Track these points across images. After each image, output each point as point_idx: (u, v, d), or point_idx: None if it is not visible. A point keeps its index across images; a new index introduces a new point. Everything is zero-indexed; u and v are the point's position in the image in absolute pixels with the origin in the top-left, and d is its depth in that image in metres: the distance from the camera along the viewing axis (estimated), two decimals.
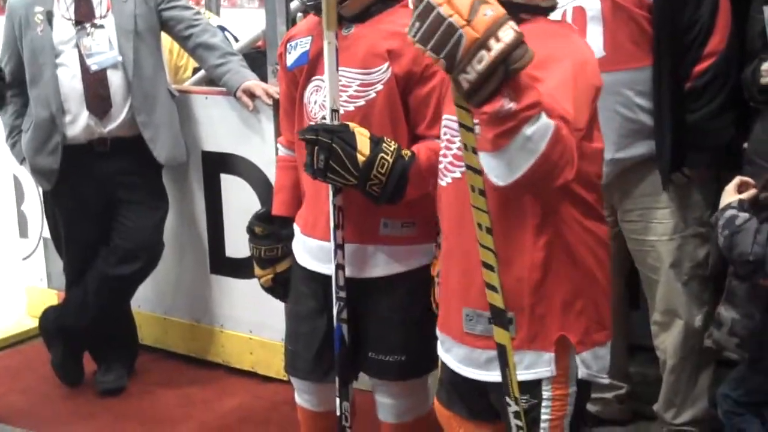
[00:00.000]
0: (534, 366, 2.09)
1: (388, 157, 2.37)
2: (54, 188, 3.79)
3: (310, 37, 2.56)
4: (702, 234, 3.03)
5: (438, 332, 2.26)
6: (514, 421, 2.06)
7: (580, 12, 2.86)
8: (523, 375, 2.07)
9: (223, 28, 4.46)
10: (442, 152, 2.18)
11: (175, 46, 4.44)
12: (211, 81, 3.99)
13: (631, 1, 2.82)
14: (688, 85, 2.85)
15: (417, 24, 1.72)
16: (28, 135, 3.75)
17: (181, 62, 4.71)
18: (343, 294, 2.51)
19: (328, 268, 2.53)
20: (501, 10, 1.71)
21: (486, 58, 1.67)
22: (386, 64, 2.43)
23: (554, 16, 2.81)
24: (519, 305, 2.07)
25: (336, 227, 2.47)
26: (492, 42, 1.67)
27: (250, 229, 2.80)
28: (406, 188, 2.40)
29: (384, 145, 2.38)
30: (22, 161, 3.87)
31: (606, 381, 2.18)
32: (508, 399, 2.05)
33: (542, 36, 1.97)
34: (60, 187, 3.77)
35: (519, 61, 1.69)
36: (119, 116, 3.68)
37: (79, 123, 3.66)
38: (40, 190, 4.12)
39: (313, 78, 2.54)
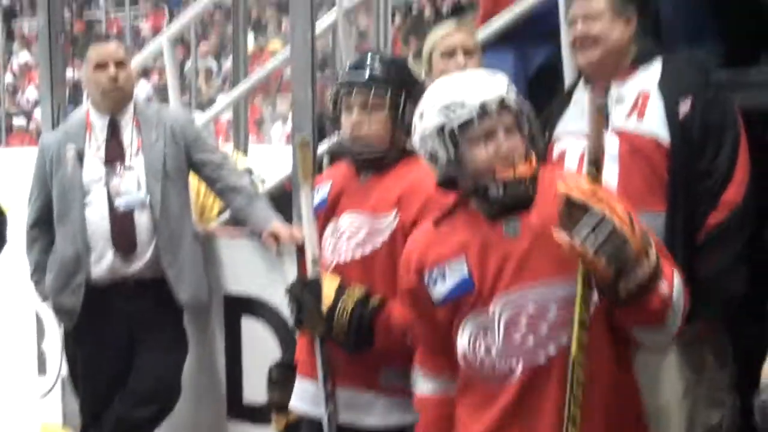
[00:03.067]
0: None
1: (347, 306, 2.38)
2: (75, 327, 3.77)
3: (330, 182, 2.64)
4: (714, 397, 2.90)
5: None
6: None
7: None
8: None
9: (250, 171, 4.51)
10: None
11: (201, 186, 4.48)
12: (236, 222, 4.01)
13: (648, 144, 2.81)
14: (701, 237, 2.79)
15: (586, 232, 2.03)
16: (52, 274, 3.76)
17: (207, 202, 4.74)
18: None
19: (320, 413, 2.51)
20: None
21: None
22: (394, 212, 2.46)
23: (574, 153, 2.87)
24: None
25: (325, 377, 2.46)
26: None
27: (268, 374, 2.79)
28: (373, 338, 2.38)
29: (347, 292, 2.39)
30: (44, 299, 3.87)
31: None
32: None
33: None
34: (81, 326, 3.76)
35: None
36: (144, 256, 3.69)
37: (104, 262, 3.67)
38: (61, 327, 4.10)
39: (332, 219, 2.59)
